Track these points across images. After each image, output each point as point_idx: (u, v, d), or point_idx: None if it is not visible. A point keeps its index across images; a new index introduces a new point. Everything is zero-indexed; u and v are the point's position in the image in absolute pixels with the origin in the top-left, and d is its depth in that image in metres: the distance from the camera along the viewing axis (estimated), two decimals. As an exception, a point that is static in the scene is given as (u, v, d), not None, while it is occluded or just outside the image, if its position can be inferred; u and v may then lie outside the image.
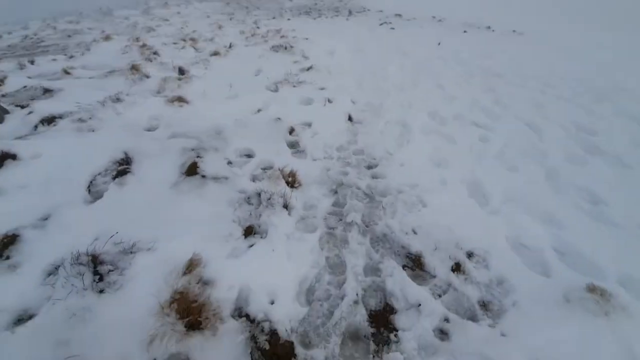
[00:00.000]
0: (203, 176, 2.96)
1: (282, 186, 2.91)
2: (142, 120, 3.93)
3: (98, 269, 1.97)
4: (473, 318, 1.84)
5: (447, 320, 1.81)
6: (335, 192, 2.98)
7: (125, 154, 3.18)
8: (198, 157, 3.19)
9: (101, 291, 1.89)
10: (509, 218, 2.70)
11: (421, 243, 2.33)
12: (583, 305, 1.81)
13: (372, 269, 2.19)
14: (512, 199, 2.98)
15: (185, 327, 1.68)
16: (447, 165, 3.45)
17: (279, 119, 4.06)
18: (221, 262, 2.04)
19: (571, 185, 3.16)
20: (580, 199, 2.99)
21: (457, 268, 2.13)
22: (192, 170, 3.01)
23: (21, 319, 1.86)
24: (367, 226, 2.56)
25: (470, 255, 2.26)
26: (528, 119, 4.47)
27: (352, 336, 1.78)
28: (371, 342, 1.74)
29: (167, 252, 2.12)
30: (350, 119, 4.41)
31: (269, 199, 2.65)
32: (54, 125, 3.71)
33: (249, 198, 2.77)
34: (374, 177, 3.25)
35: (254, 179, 3.11)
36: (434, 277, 2.08)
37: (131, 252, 2.10)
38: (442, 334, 1.76)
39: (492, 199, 2.98)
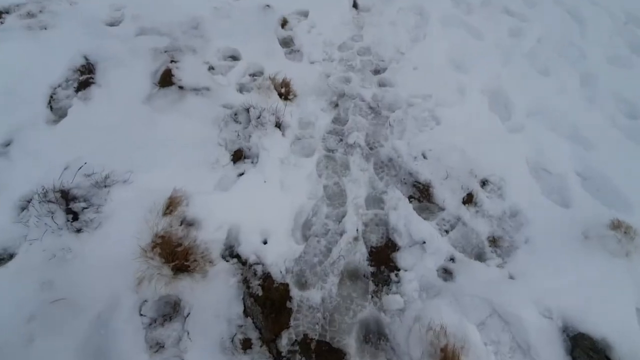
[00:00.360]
0: (180, 87, 2.52)
1: (274, 99, 2.50)
2: (102, 11, 3.21)
3: (70, 206, 1.78)
4: (481, 257, 1.72)
5: (452, 259, 1.69)
6: (336, 105, 2.58)
7: (86, 59, 2.66)
8: (172, 61, 2.67)
9: (78, 230, 1.74)
10: (532, 135, 2.37)
11: (431, 170, 2.07)
12: (603, 244, 1.66)
13: (375, 200, 1.99)
14: (539, 111, 2.59)
15: (172, 270, 1.57)
16: (468, 67, 2.92)
17: (268, 6, 3.32)
18: (207, 197, 1.83)
19: (609, 94, 2.72)
20: (617, 111, 2.60)
21: (468, 199, 1.93)
22: (166, 79, 2.55)
23: (2, 259, 1.76)
24: (371, 149, 2.26)
25: (484, 183, 2.03)
26: (571, 3, 3.65)
27: (351, 275, 1.69)
28: (370, 282, 1.66)
29: (146, 185, 1.90)
30: (355, 4, 3.62)
31: (259, 117, 2.28)
32: (1, 22, 3.05)
33: (236, 115, 2.40)
34: (381, 84, 2.78)
35: (241, 89, 2.67)
36: (443, 210, 1.89)
37: (105, 186, 1.87)
38: (446, 273, 1.66)
39: (516, 111, 2.59)
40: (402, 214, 1.84)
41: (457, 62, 2.98)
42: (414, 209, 1.90)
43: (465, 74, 2.86)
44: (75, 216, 1.76)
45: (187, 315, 1.55)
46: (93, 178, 1.90)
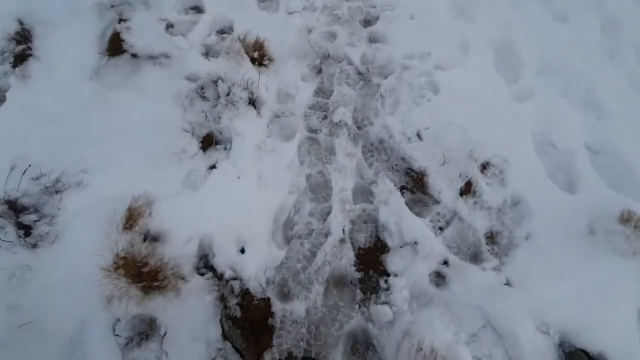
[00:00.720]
0: (134, 55, 2.13)
1: (247, 66, 2.14)
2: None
3: (21, 219, 1.58)
4: (477, 257, 1.60)
5: (446, 262, 1.56)
6: (319, 71, 2.23)
7: (21, 23, 2.21)
8: (121, 20, 2.23)
9: (34, 246, 1.57)
10: (540, 104, 2.09)
11: (427, 154, 1.84)
12: (609, 241, 1.53)
13: (364, 193, 1.80)
14: (550, 69, 2.26)
15: (142, 290, 1.45)
16: (473, 14, 2.49)
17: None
18: (173, 201, 1.62)
19: (632, 47, 2.36)
20: (638, 68, 2.28)
21: (467, 189, 1.74)
22: (115, 45, 2.15)
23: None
24: (359, 127, 2.00)
25: (485, 166, 1.82)
26: None
27: (337, 283, 1.58)
28: (358, 290, 1.55)
29: (103, 188, 1.68)
30: None
31: (229, 93, 1.96)
32: None
33: (202, 89, 2.07)
34: (372, 39, 2.38)
35: (207, 52, 2.27)
36: (438, 202, 1.72)
37: (57, 192, 1.65)
38: (439, 278, 1.55)
39: (525, 70, 2.26)
40: (393, 209, 1.67)
41: (461, 6, 2.53)
42: (407, 202, 1.72)
43: (470, 23, 2.45)
44: (27, 230, 1.57)
45: (164, 335, 1.46)
46: (42, 182, 1.67)
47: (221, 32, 2.39)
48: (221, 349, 1.38)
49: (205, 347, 1.41)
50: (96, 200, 1.64)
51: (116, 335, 1.48)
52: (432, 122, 1.94)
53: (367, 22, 2.49)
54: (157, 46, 2.17)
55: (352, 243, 1.65)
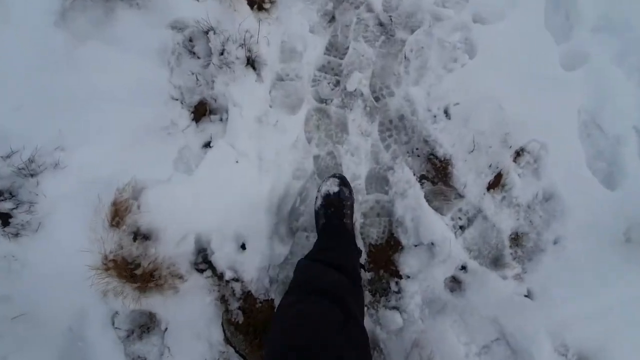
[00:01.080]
0: (105, -6, 1.72)
1: (244, 12, 1.75)
2: None
3: (-5, 207, 1.41)
4: (497, 261, 1.47)
5: (464, 268, 1.44)
6: (332, 20, 1.83)
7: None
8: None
9: (16, 235, 1.43)
10: (592, 71, 1.75)
11: (454, 138, 1.58)
12: (647, 251, 1.39)
13: (378, 180, 1.59)
14: (609, 23, 1.85)
15: (138, 290, 1.36)
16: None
17: None
18: (164, 190, 1.43)
19: None
20: None
21: (495, 182, 1.54)
22: (80, -20, 1.71)
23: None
24: (377, 99, 1.70)
25: (519, 153, 1.59)
26: None
27: (345, 282, 1.48)
28: (367, 292, 1.46)
29: (83, 170, 1.47)
30: None
31: (223, 52, 1.62)
32: None
33: (191, 42, 1.72)
34: (398, -25, 1.91)
35: (194, -12, 1.83)
36: (461, 197, 1.53)
37: (32, 175, 1.45)
38: (455, 282, 1.45)
39: (580, 24, 1.85)
40: (410, 204, 1.49)
41: None
42: (426, 194, 1.53)
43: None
44: (5, 220, 1.42)
45: (165, 330, 1.42)
46: (13, 162, 1.45)
47: (211, -41, 1.90)
48: (224, 352, 1.34)
49: (208, 347, 1.37)
50: (77, 185, 1.45)
51: (116, 328, 1.44)
52: (464, 96, 1.63)
53: (393, -51, 1.97)
54: (131, -20, 1.74)
55: (362, 239, 1.51)
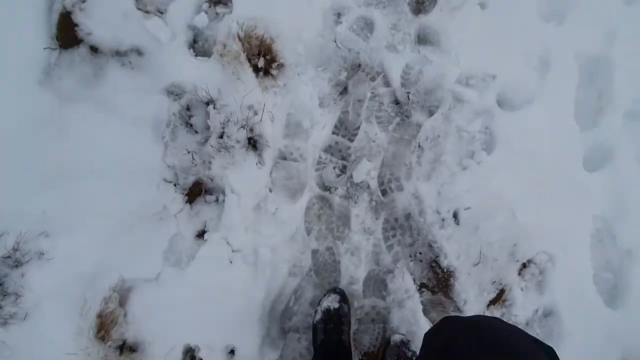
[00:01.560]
0: (94, 49, 1.54)
1: (248, 81, 1.59)
2: None
3: (-24, 297, 1.35)
4: None
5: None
6: (344, 91, 1.66)
7: None
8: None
9: (4, 323, 1.39)
10: (615, 171, 1.65)
11: (460, 248, 1.51)
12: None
13: (377, 284, 1.54)
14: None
15: (125, 393, 1.35)
16: (568, 9, 1.76)
17: None
18: (153, 291, 1.38)
19: None
20: None
21: (496, 298, 1.50)
22: (68, 32, 1.52)
23: None
24: (384, 192, 1.59)
25: (525, 265, 1.54)
26: None
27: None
28: (355, 403, 1.47)
29: (69, 262, 1.38)
30: None
31: (222, 134, 1.48)
32: None
33: (188, 111, 1.58)
34: (421, 39, 1.72)
35: (194, 39, 1.65)
36: (460, 312, 1.49)
37: (16, 265, 1.37)
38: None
39: (614, 103, 1.72)
40: (407, 318, 1.46)
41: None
42: (424, 303, 1.49)
43: (559, 25, 1.75)
44: (-11, 311, 1.37)
45: None
46: (-3, 247, 1.37)
47: (215, 1, 1.69)
48: None
49: None
50: (63, 279, 1.38)
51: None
52: (477, 200, 1.54)
53: (418, 5, 1.76)
54: (124, 35, 1.55)
55: (355, 347, 1.49)
